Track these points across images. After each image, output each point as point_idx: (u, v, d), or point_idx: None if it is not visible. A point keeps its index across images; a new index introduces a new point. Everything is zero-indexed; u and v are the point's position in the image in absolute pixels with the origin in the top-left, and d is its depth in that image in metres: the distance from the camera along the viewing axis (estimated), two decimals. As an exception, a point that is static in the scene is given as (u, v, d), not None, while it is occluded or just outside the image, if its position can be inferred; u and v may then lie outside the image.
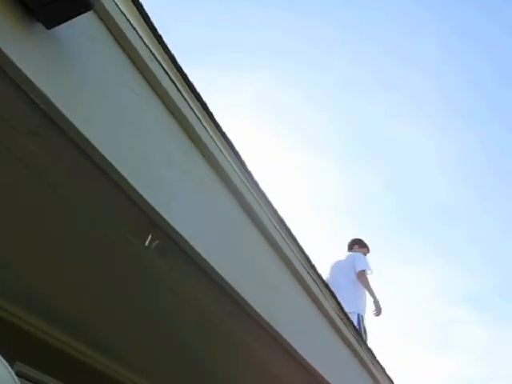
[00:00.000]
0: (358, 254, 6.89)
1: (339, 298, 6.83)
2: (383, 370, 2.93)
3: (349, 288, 6.62)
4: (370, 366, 2.64)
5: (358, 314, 6.44)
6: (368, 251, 7.10)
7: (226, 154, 1.64)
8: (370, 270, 6.70)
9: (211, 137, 1.55)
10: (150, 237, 1.29)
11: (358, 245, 7.06)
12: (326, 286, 2.13)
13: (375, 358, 2.78)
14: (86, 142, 1.01)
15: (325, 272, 6.93)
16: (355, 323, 6.40)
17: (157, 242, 1.28)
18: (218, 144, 1.60)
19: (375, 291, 6.56)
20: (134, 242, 1.31)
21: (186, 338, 1.79)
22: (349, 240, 7.18)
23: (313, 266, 1.97)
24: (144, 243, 1.30)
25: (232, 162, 1.66)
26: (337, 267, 6.86)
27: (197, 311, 1.56)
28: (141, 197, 1.21)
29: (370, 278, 6.70)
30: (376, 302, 6.49)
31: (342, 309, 2.26)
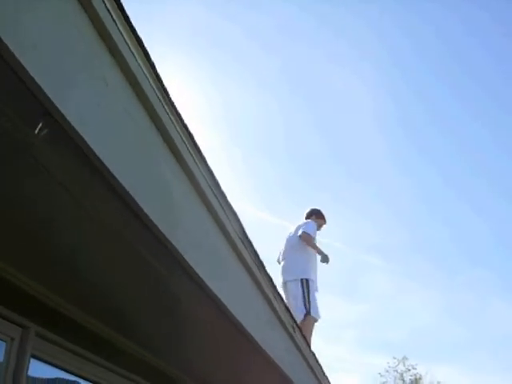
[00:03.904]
0: (307, 221, 6.97)
1: (284, 268, 6.93)
2: (280, 297, 3.03)
3: (290, 255, 6.76)
4: (268, 291, 2.71)
5: (302, 279, 6.58)
6: (324, 223, 7.19)
7: (139, 61, 1.56)
8: (314, 235, 6.78)
9: (124, 39, 1.47)
10: (40, 125, 1.23)
11: (315, 215, 7.11)
12: (231, 209, 2.13)
13: (274, 285, 2.86)
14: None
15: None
16: (299, 289, 6.55)
17: (46, 130, 1.22)
18: (132, 50, 1.52)
19: (319, 246, 6.74)
20: (23, 130, 1.25)
21: (73, 243, 1.76)
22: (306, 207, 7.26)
23: (218, 185, 1.96)
24: (34, 131, 1.24)
25: (145, 70, 1.59)
26: (287, 238, 6.96)
27: (85, 210, 1.52)
28: (33, 80, 1.14)
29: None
30: (320, 253, 6.67)
31: (244, 233, 2.29)
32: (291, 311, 6.39)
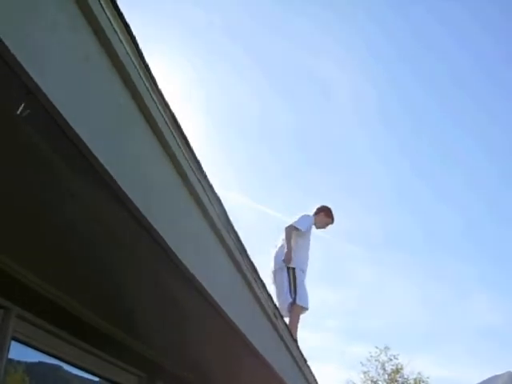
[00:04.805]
0: (304, 215, 6.96)
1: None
2: (262, 283, 3.05)
3: (281, 244, 6.77)
4: (250, 278, 2.73)
5: (288, 268, 6.60)
6: (331, 222, 7.16)
7: (122, 38, 1.56)
8: (303, 229, 6.75)
9: (108, 18, 1.46)
10: (22, 105, 1.23)
11: (324, 212, 7.09)
12: (212, 190, 2.14)
13: (256, 271, 2.88)
14: None
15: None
16: (285, 277, 6.54)
17: (28, 111, 1.22)
18: (116, 29, 1.52)
19: (291, 245, 6.63)
20: (5, 108, 1.25)
21: (54, 223, 1.76)
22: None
23: (200, 168, 1.96)
24: (16, 111, 1.24)
25: (129, 50, 1.59)
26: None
27: (68, 192, 1.52)
28: (14, 59, 1.14)
29: (298, 235, 6.76)
30: (287, 252, 6.58)
31: (227, 217, 2.30)
32: (277, 300, 6.45)
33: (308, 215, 6.99)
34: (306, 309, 6.68)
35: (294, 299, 6.50)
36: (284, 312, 6.41)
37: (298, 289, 6.55)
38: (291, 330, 6.04)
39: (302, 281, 6.69)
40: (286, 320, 6.24)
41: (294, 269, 6.64)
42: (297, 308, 6.55)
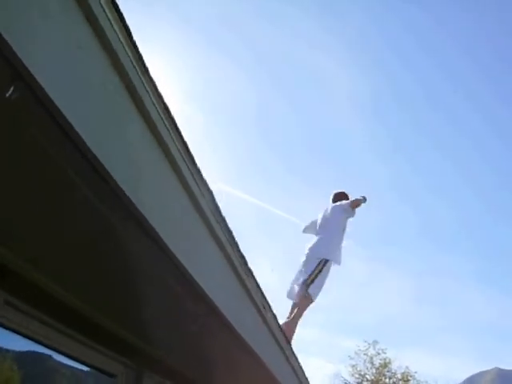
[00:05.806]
0: (346, 201, 7.31)
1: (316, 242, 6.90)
2: (252, 275, 3.05)
3: (325, 233, 7.00)
4: (240, 271, 2.73)
5: (321, 259, 6.80)
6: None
7: (114, 25, 1.55)
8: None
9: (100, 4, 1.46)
10: (12, 88, 1.22)
11: (345, 199, 7.45)
12: (205, 183, 2.14)
13: (246, 264, 2.88)
14: None
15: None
16: (313, 267, 6.70)
17: (17, 94, 1.21)
18: (109, 15, 1.51)
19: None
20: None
21: (44, 210, 1.75)
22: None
23: (190, 154, 1.95)
24: (5, 94, 1.23)
25: (121, 37, 1.58)
26: (329, 212, 7.30)
27: (56, 176, 1.52)
28: (4, 41, 1.13)
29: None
30: (359, 202, 7.14)
31: (217, 207, 2.29)
32: (294, 280, 6.67)
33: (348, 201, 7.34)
34: (312, 301, 6.82)
35: (309, 286, 6.64)
36: (291, 295, 6.65)
37: (316, 280, 6.68)
38: (294, 320, 6.25)
39: (326, 276, 6.81)
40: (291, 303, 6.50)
41: (326, 261, 6.78)
42: (307, 299, 6.68)
